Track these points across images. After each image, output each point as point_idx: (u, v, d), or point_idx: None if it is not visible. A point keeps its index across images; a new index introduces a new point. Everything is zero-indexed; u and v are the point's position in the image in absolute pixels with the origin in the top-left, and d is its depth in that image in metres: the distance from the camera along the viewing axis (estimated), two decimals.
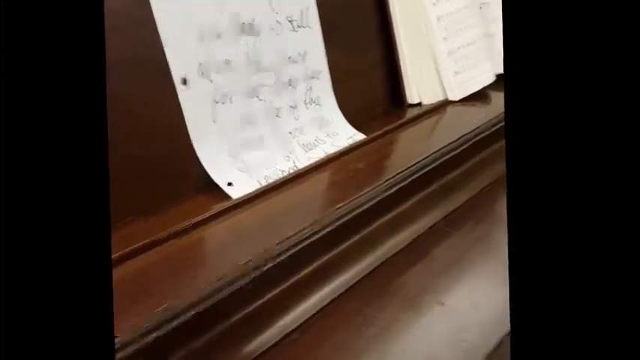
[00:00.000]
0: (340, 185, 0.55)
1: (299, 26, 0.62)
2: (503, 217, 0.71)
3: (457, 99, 0.74)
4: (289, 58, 0.61)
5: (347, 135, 0.63)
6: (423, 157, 0.59)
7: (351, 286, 0.48)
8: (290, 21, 0.61)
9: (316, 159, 0.58)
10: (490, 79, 0.78)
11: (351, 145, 0.61)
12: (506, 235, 0.66)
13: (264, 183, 0.54)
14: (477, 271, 0.53)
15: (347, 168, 0.57)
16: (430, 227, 0.57)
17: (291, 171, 0.56)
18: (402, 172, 0.56)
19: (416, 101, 0.72)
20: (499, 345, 0.41)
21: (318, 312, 0.45)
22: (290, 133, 0.60)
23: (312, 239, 0.46)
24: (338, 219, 0.49)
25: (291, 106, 0.61)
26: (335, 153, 0.59)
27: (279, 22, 0.60)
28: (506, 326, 0.43)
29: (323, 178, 0.57)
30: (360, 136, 0.63)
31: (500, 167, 0.67)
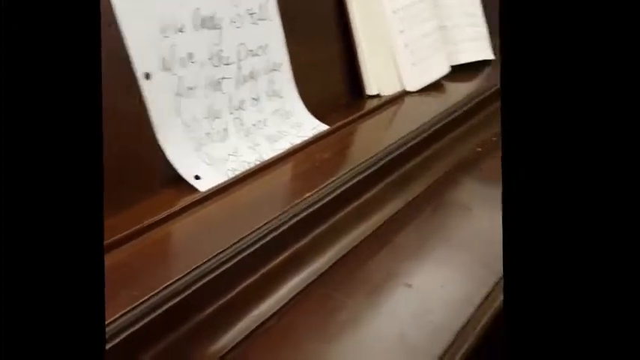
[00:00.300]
0: (306, 175, 0.56)
1: (259, 19, 0.62)
2: (461, 203, 0.74)
3: (414, 90, 0.76)
4: (250, 50, 0.61)
5: (310, 126, 0.64)
6: (384, 147, 0.60)
7: (322, 274, 0.49)
8: (250, 14, 0.61)
9: (281, 150, 0.59)
10: (445, 70, 0.80)
11: (315, 135, 0.62)
12: (466, 220, 0.68)
13: (231, 175, 0.54)
14: (439, 255, 0.55)
15: (312, 158, 0.58)
16: (393, 215, 0.59)
17: (257, 163, 0.57)
18: (366, 161, 0.58)
19: (375, 92, 0.73)
20: (466, 324, 0.43)
21: (290, 300, 0.46)
22: (254, 125, 0.60)
23: (281, 229, 0.47)
24: (306, 208, 0.50)
25: (253, 99, 0.61)
26: (300, 144, 0.60)
27: (239, 15, 0.60)
28: (473, 305, 0.45)
29: (289, 169, 0.58)
30: (323, 127, 0.64)
31: (457, 154, 0.70)
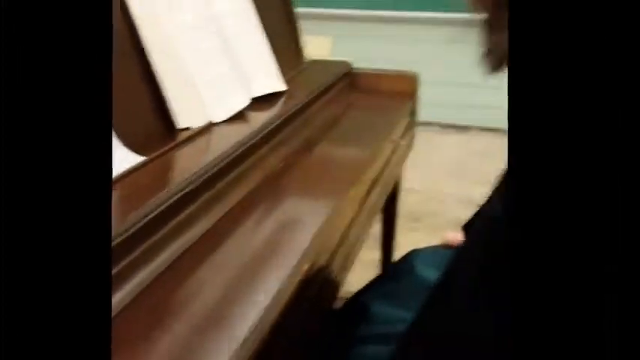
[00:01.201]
0: (127, 200, 0.62)
1: None
2: (270, 215, 0.87)
3: (220, 120, 0.86)
4: None
5: (126, 159, 0.70)
6: (197, 170, 0.70)
7: (140, 292, 0.56)
8: None
9: None
10: (246, 101, 0.93)
11: (131, 167, 0.68)
12: (285, 232, 0.80)
13: None
14: (261, 264, 0.65)
15: (129, 188, 0.65)
16: (208, 229, 0.68)
17: None
18: (182, 182, 0.66)
19: (185, 126, 0.82)
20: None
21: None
22: None
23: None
24: (130, 228, 0.57)
25: None
26: (116, 176, 0.66)
27: None
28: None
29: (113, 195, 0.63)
30: (138, 159, 0.71)
31: (262, 170, 0.82)
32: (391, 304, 0.73)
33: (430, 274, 0.76)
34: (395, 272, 0.84)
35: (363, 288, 0.82)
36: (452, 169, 2.31)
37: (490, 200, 0.42)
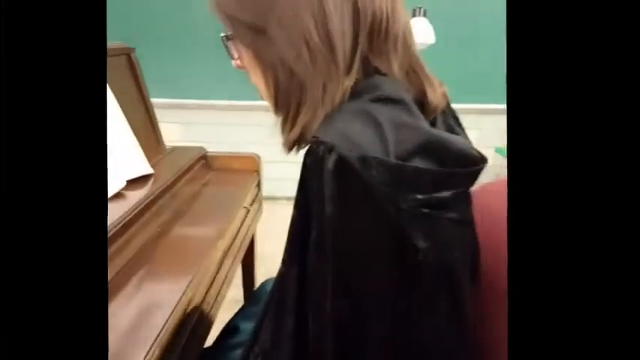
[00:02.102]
0: None
1: None
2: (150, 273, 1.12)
3: None
4: None
5: None
6: None
7: None
8: None
9: None
10: (122, 183, 1.13)
11: None
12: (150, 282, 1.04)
13: None
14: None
15: None
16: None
17: None
18: None
19: None
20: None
21: None
22: None
23: None
24: None
25: None
26: None
27: None
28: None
29: None
30: None
31: (141, 238, 1.03)
32: (252, 321, 0.97)
33: None
34: (253, 298, 1.09)
35: (234, 315, 1.05)
36: None
37: None
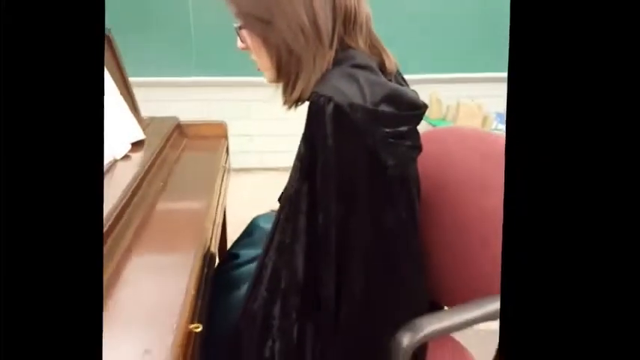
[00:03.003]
0: None
1: None
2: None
3: (121, 157, 1.28)
4: None
5: None
6: (125, 188, 1.12)
7: None
8: None
9: None
10: (141, 136, 1.35)
11: None
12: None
13: None
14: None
15: None
16: None
17: None
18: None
19: None
20: None
21: None
22: None
23: None
24: None
25: None
26: None
27: None
28: None
29: None
30: None
31: (152, 195, 1.26)
32: (249, 248, 1.24)
33: (268, 226, 1.29)
34: (247, 229, 1.35)
35: (232, 245, 1.31)
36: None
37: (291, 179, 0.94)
